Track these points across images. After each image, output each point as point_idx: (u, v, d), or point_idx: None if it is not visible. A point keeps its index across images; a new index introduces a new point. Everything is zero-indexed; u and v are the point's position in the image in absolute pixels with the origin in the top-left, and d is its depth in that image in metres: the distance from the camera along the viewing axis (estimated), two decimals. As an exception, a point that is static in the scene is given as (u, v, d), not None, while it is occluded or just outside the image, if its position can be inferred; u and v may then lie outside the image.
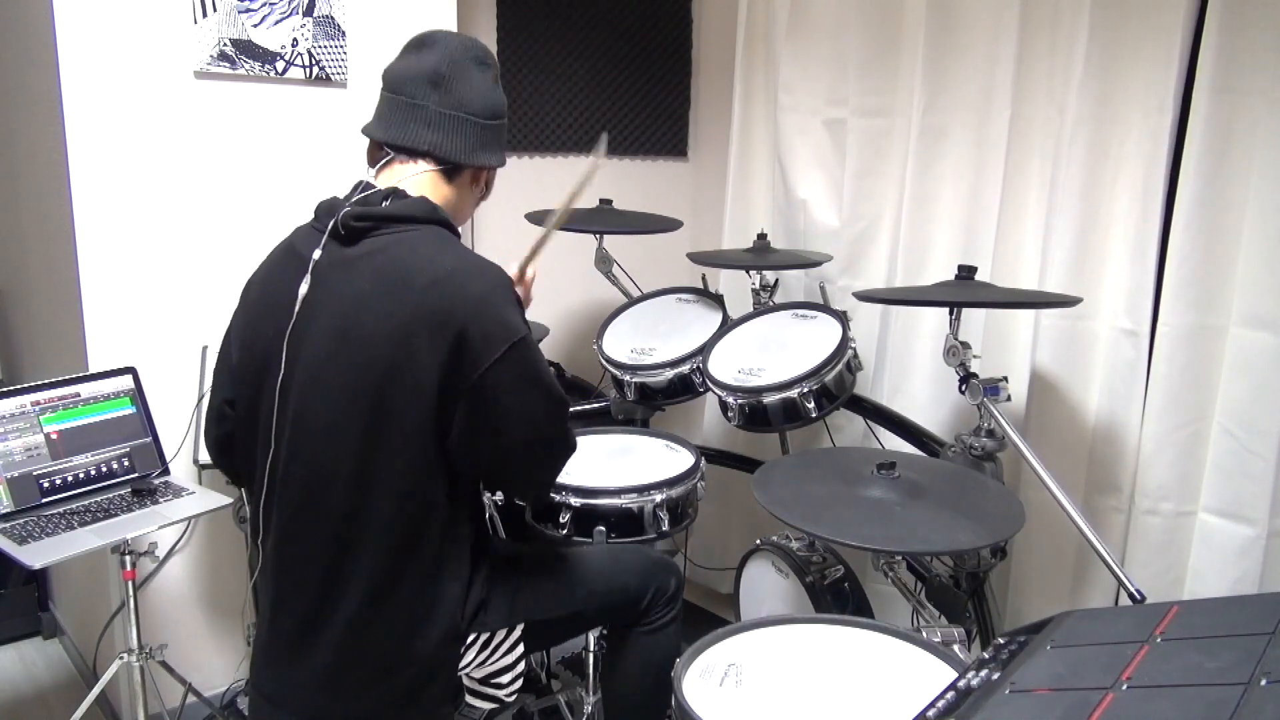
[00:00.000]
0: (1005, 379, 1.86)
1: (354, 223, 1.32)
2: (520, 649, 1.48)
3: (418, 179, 1.38)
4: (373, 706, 1.36)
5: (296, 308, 1.34)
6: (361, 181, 1.40)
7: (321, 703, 1.37)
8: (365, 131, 1.43)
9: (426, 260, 1.29)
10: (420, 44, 1.40)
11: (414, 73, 1.37)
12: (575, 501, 1.85)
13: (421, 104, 1.37)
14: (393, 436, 1.28)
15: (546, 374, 1.35)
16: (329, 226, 1.34)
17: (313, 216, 1.41)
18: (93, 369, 2.02)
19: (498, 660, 1.47)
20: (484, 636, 1.44)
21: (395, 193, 1.36)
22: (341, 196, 1.39)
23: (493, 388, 1.28)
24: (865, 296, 2.04)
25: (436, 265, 1.29)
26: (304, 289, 1.34)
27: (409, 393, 1.26)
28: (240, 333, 1.45)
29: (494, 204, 2.77)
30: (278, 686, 1.40)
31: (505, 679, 1.49)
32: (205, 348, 2.12)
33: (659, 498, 1.86)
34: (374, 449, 1.28)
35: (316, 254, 1.34)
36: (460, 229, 1.42)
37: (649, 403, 2.36)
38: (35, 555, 1.63)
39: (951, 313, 1.89)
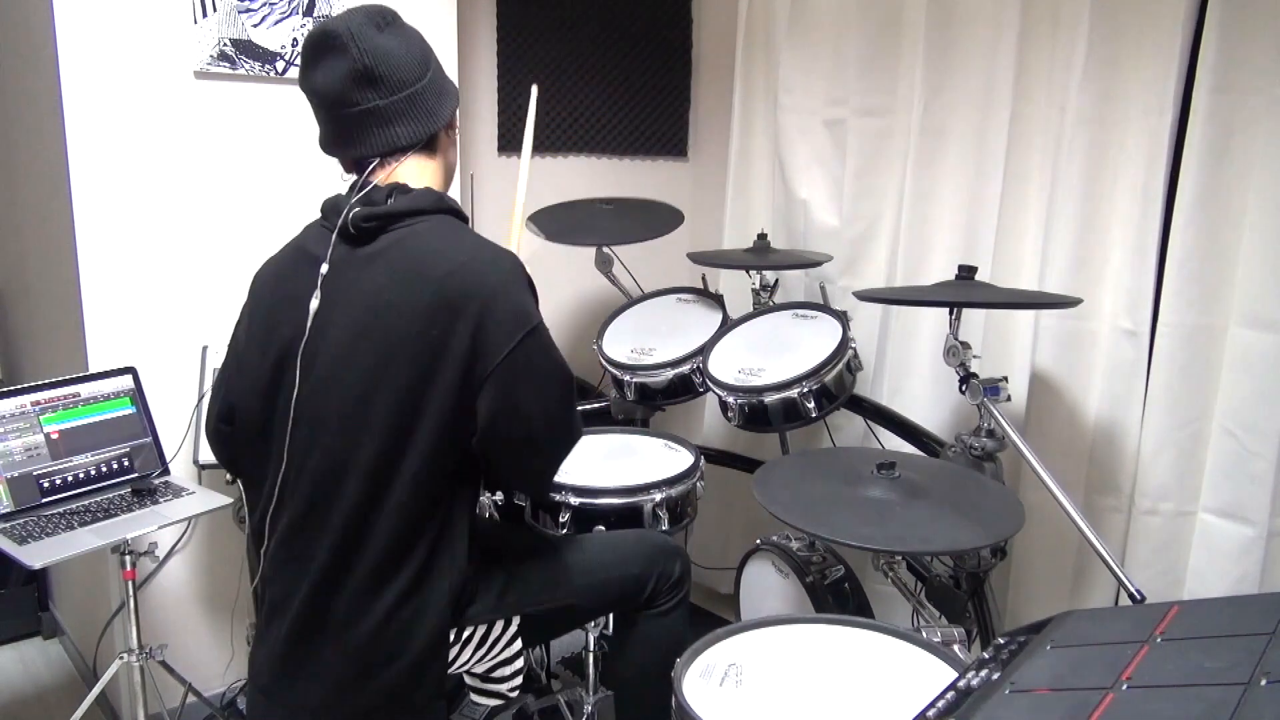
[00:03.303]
0: (1005, 379, 1.86)
1: (364, 224, 1.33)
2: (519, 643, 1.48)
3: (410, 168, 1.39)
4: (369, 704, 1.36)
5: (309, 323, 1.34)
6: (359, 179, 1.39)
7: (319, 702, 1.37)
8: (331, 153, 1.41)
9: (441, 251, 1.32)
10: (325, 48, 1.32)
11: (341, 80, 1.32)
12: (574, 501, 1.85)
13: (371, 106, 1.33)
14: (419, 427, 1.29)
15: (560, 359, 1.37)
16: (337, 225, 1.34)
17: (320, 215, 1.42)
18: (93, 369, 2.02)
19: (497, 654, 1.47)
20: (480, 631, 1.44)
21: (398, 188, 1.36)
22: (344, 193, 1.39)
23: (511, 374, 1.30)
24: (865, 296, 2.04)
25: (451, 255, 1.31)
26: (315, 304, 1.35)
27: (434, 384, 1.28)
28: (253, 333, 1.44)
29: (493, 202, 2.82)
30: (276, 685, 1.40)
31: (506, 672, 1.50)
32: (205, 348, 2.12)
33: (658, 497, 1.86)
34: (399, 441, 1.29)
35: (324, 268, 1.35)
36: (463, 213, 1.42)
37: (649, 403, 2.36)
38: (35, 555, 1.63)
39: (951, 313, 1.89)
